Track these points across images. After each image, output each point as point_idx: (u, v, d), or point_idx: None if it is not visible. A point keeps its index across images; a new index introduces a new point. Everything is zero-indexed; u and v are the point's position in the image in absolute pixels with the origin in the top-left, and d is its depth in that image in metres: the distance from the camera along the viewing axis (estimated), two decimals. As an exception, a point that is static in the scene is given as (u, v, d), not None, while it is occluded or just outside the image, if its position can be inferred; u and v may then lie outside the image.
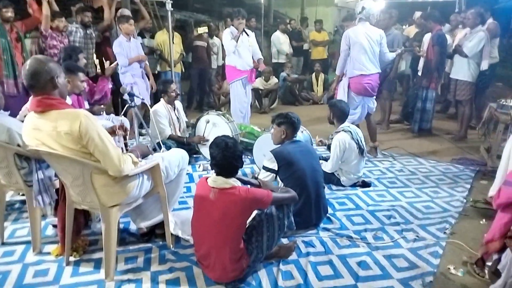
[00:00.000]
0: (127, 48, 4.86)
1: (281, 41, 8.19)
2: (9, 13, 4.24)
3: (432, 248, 2.70)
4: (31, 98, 2.15)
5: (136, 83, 4.93)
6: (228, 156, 2.18)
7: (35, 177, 2.44)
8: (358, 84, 4.38)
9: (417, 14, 6.89)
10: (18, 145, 2.39)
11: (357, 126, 4.25)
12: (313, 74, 8.21)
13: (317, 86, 8.19)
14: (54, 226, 2.85)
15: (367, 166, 4.22)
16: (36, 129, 2.07)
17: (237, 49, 4.92)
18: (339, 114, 3.74)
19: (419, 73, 5.66)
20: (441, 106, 6.82)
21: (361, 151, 3.63)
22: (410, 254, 2.63)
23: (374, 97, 4.59)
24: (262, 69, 5.66)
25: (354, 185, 3.74)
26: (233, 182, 2.21)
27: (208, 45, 7.02)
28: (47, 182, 2.50)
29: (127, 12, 5.51)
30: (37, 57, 2.13)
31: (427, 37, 5.48)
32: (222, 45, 6.64)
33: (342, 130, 3.64)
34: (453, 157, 4.61)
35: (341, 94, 4.49)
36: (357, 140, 3.61)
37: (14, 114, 2.76)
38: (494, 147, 4.26)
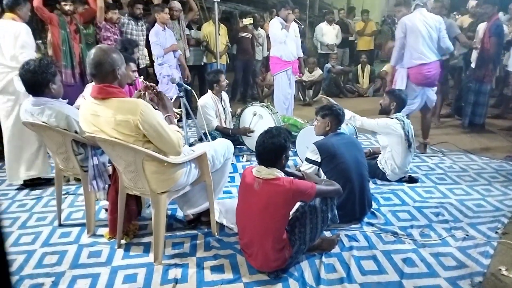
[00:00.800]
0: (162, 37, 4.95)
1: (323, 32, 8.05)
2: (68, 6, 4.45)
3: (483, 247, 2.59)
4: (89, 85, 2.27)
5: (173, 74, 5.03)
6: (269, 146, 2.21)
7: (91, 162, 2.58)
8: (418, 74, 4.19)
9: (472, 2, 6.54)
10: (76, 132, 2.53)
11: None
12: (359, 66, 8.03)
13: (363, 78, 8.01)
14: (107, 210, 3.01)
15: (414, 162, 4.10)
16: (95, 115, 2.17)
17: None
18: (399, 102, 3.60)
19: (472, 65, 5.38)
20: (496, 100, 6.45)
21: (409, 144, 3.52)
22: (459, 253, 2.54)
23: (436, 88, 4.41)
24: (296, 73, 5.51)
25: (400, 180, 3.65)
26: (277, 173, 2.23)
27: (253, 36, 7.03)
28: (101, 168, 2.63)
29: (177, 4, 5.63)
30: (102, 47, 2.22)
31: (481, 27, 5.19)
32: (267, 36, 6.65)
33: (396, 118, 3.54)
34: (508, 154, 4.36)
35: (399, 85, 4.29)
36: (407, 132, 3.50)
37: (70, 103, 2.91)
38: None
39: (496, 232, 2.78)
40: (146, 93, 2.67)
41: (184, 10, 6.25)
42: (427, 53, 4.16)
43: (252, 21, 6.95)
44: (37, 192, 3.52)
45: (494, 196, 3.36)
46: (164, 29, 5.06)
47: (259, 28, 7.40)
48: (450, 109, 6.06)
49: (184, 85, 3.49)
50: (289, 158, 4.06)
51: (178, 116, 3.14)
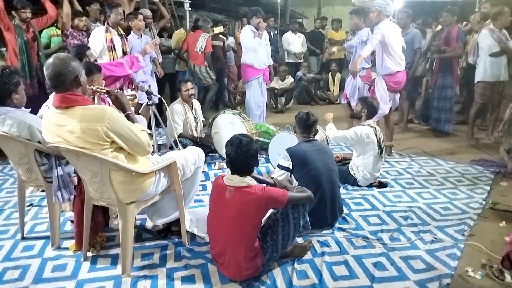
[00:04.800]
0: (138, 45, 4.88)
1: (289, 41, 8.14)
2: (28, 13, 4.32)
3: (450, 250, 2.65)
4: (52, 94, 2.19)
5: (147, 81, 4.96)
6: (242, 155, 2.18)
7: (55, 173, 2.48)
8: (394, 81, 4.34)
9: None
10: (39, 142, 2.44)
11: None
12: (330, 74, 8.16)
13: (334, 85, 8.14)
14: (72, 221, 2.90)
15: (384, 167, 4.17)
16: (58, 125, 2.10)
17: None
18: (371, 110, 3.71)
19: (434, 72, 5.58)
20: (460, 107, 6.68)
21: (380, 150, 3.59)
22: (427, 256, 2.59)
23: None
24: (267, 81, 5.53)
25: (370, 186, 3.71)
26: (249, 180, 2.22)
27: (224, 44, 7.04)
28: (66, 178, 2.54)
29: (147, 11, 5.56)
30: (59, 56, 2.14)
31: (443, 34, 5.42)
32: (238, 45, 6.67)
33: (368, 125, 3.62)
34: (472, 159, 4.52)
35: (381, 92, 4.37)
36: (379, 138, 3.58)
37: (33, 113, 2.81)
38: (515, 148, 4.17)
39: (463, 235, 2.85)
40: (95, 97, 2.60)
41: (155, 18, 6.20)
42: (402, 61, 4.32)
43: (222, 30, 6.96)
44: (-2, 204, 3.37)
45: (460, 199, 3.46)
46: (140, 36, 4.99)
47: (228, 37, 7.40)
48: (415, 115, 6.22)
49: (153, 93, 3.44)
50: (262, 165, 4.08)
51: (135, 103, 3.04)
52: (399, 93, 4.59)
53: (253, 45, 4.90)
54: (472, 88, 5.35)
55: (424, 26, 6.96)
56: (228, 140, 2.28)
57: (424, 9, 11.03)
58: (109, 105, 2.96)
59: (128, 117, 2.37)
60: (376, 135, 3.55)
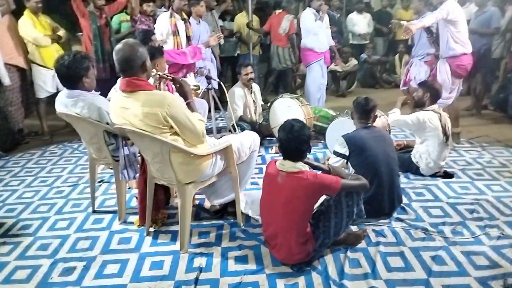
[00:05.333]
0: (197, 31, 4.97)
1: (354, 22, 7.80)
2: (103, 0, 4.57)
3: (519, 247, 2.46)
4: (120, 78, 2.34)
5: (206, 66, 5.05)
6: (293, 139, 2.18)
7: (121, 152, 2.65)
8: (459, 64, 4.05)
9: None
10: (107, 123, 2.62)
11: None
12: (397, 56, 7.76)
13: (400, 68, 7.74)
14: (137, 198, 3.10)
15: (451, 156, 3.93)
16: (123, 107, 2.24)
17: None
18: (433, 92, 3.48)
19: None
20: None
21: (446, 137, 3.38)
22: (492, 252, 2.43)
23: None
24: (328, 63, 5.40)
25: (434, 175, 3.52)
26: (301, 166, 2.21)
27: None
28: (131, 158, 2.71)
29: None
30: (128, 42, 2.26)
31: None
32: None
33: (432, 110, 3.42)
34: (554, 149, 4.11)
35: (444, 76, 4.09)
36: (444, 125, 3.37)
37: (104, 95, 3.01)
38: None
39: (535, 232, 2.63)
40: (161, 83, 2.71)
41: (218, 1, 6.27)
42: (468, 44, 3.98)
43: None
44: (74, 179, 3.68)
45: (535, 194, 3.18)
46: (199, 22, 5.09)
47: None
48: (490, 100, 5.75)
49: (213, 77, 3.51)
50: (319, 150, 4.05)
51: (198, 93, 3.14)
52: (462, 81, 4.24)
53: (314, 29, 4.80)
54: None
55: (503, 3, 6.32)
56: (281, 125, 2.29)
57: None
58: (173, 91, 3.09)
59: (188, 105, 2.47)
60: (440, 121, 3.33)
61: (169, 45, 4.40)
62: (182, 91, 2.53)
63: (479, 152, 4.13)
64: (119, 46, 2.23)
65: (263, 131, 4.34)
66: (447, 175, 3.52)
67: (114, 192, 3.06)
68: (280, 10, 6.70)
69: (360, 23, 7.78)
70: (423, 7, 4.41)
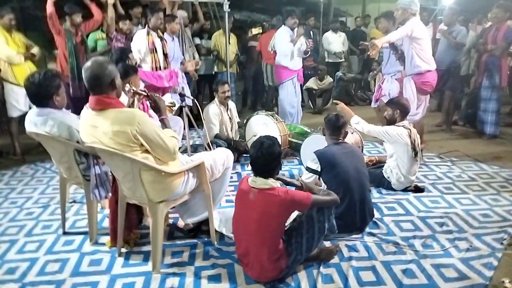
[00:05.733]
0: (172, 47, 5.00)
1: (329, 40, 8.02)
2: (79, 18, 4.57)
3: (486, 259, 2.53)
4: (90, 96, 2.33)
5: (180, 83, 5.08)
6: (263, 156, 2.20)
7: (93, 171, 2.62)
8: (424, 81, 4.20)
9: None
10: (78, 142, 2.59)
11: None
12: (371, 73, 7.96)
13: (375, 85, 7.93)
14: (109, 218, 3.06)
15: (422, 171, 4.04)
16: (93, 126, 2.23)
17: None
18: (402, 109, 3.58)
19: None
20: (510, 108, 6.30)
21: (415, 153, 3.48)
22: (461, 265, 2.48)
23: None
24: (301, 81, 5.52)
25: (406, 190, 3.60)
26: (273, 183, 2.23)
27: None
28: (103, 176, 2.68)
29: (184, 14, 5.71)
30: (97, 60, 2.28)
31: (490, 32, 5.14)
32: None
33: (403, 126, 3.51)
34: (520, 163, 4.27)
35: (409, 93, 4.24)
36: (414, 141, 3.46)
37: (77, 114, 2.98)
38: None
39: (502, 243, 2.71)
40: (135, 99, 2.71)
41: (195, 20, 6.35)
42: (432, 61, 4.14)
43: (260, 31, 7.00)
44: (45, 200, 3.60)
45: (502, 206, 3.28)
46: (173, 39, 5.14)
47: None
48: (458, 116, 5.94)
49: (186, 94, 3.54)
50: (294, 166, 4.08)
51: (173, 110, 3.14)
52: (429, 97, 4.43)
53: (286, 51, 4.93)
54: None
55: (465, 23, 6.63)
56: (252, 142, 2.32)
57: (474, 5, 10.52)
58: (148, 108, 3.10)
59: (162, 121, 2.48)
60: (410, 136, 3.43)
61: (147, 62, 4.43)
62: (157, 108, 2.54)
63: (449, 166, 4.25)
64: (87, 64, 2.24)
65: (239, 147, 4.36)
66: (418, 189, 3.60)
67: (86, 213, 3.01)
68: (257, 29, 6.86)
69: (335, 42, 7.99)
70: (391, 26, 4.61)
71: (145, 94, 2.65)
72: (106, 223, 3.08)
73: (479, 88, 5.26)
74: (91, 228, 2.82)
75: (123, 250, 2.70)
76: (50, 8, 4.25)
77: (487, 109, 5.11)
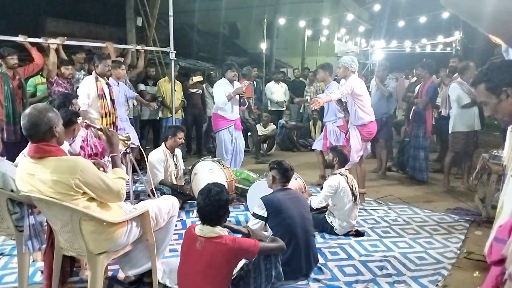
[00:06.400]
0: (117, 92, 4.99)
1: (272, 90, 8.41)
2: (15, 60, 4.42)
3: (424, 301, 2.65)
4: (29, 144, 2.23)
5: (124, 128, 5.02)
6: (211, 204, 2.21)
7: (27, 222, 2.45)
8: (367, 131, 4.53)
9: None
10: (12, 190, 2.43)
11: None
12: (311, 122, 8.36)
13: (315, 133, 8.31)
14: (43, 272, 2.83)
15: (361, 215, 4.22)
16: (31, 174, 2.12)
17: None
18: (342, 159, 3.83)
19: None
20: (438, 155, 6.84)
21: (354, 197, 3.65)
22: (401, 307, 2.58)
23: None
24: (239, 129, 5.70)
25: (347, 234, 3.73)
26: (220, 231, 2.23)
27: (203, 92, 7.21)
28: (38, 227, 2.51)
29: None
30: (37, 107, 2.21)
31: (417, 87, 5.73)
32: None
33: (339, 173, 3.70)
34: (448, 207, 4.60)
35: (355, 141, 4.50)
36: (351, 186, 3.65)
37: (12, 160, 2.82)
38: (488, 197, 4.26)
39: (437, 285, 2.86)
40: (88, 131, 2.66)
41: (135, 65, 6.39)
42: (371, 112, 4.50)
43: (201, 79, 7.18)
44: (-33, 254, 3.27)
45: (435, 249, 3.49)
46: (118, 84, 5.14)
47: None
48: (391, 163, 6.36)
49: (130, 141, 3.48)
50: (241, 212, 4.08)
51: (128, 144, 3.11)
52: (369, 142, 4.78)
53: (220, 103, 5.12)
54: (446, 138, 5.53)
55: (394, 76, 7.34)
56: (200, 189, 2.32)
57: (402, 62, 11.62)
58: (87, 153, 3.01)
59: (113, 159, 2.46)
60: (348, 182, 3.62)
61: (94, 108, 4.35)
62: (110, 143, 2.50)
63: (386, 211, 4.49)
64: (27, 110, 2.17)
65: (183, 190, 4.31)
66: (358, 233, 3.75)
67: (15, 266, 2.77)
68: (197, 77, 7.05)
69: (277, 91, 8.38)
70: (328, 76, 5.06)
71: (98, 128, 2.60)
72: (38, 277, 2.87)
73: (409, 137, 5.70)
74: (21, 283, 2.59)
75: (57, 307, 2.50)
76: None
77: (416, 157, 5.53)
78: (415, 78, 7.11)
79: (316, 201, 3.73)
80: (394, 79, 6.37)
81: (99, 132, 2.87)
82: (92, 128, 2.64)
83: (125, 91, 5.33)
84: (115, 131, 3.37)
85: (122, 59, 5.65)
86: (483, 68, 1.86)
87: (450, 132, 5.24)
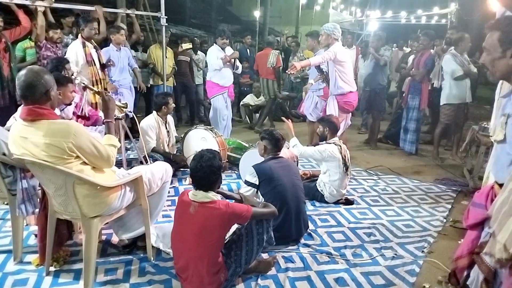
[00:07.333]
0: (117, 57, 4.94)
1: None
2: (0, 23, 4.29)
3: (409, 266, 2.75)
4: (21, 107, 2.20)
5: (122, 93, 4.98)
6: (203, 169, 2.22)
7: (19, 186, 2.46)
8: (346, 101, 4.52)
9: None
10: (4, 154, 2.42)
11: None
12: (303, 93, 8.31)
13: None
14: (36, 235, 2.86)
15: (351, 184, 4.29)
16: (23, 137, 2.10)
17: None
18: (333, 127, 3.83)
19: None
20: (428, 128, 6.90)
21: (346, 167, 3.70)
22: (387, 272, 2.67)
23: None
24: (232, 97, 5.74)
25: (337, 202, 3.80)
26: (213, 196, 2.25)
27: (191, 60, 7.10)
28: (31, 191, 2.52)
29: (121, 25, 5.60)
30: (33, 68, 2.16)
31: (411, 58, 5.69)
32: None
33: (333, 143, 3.73)
34: (436, 178, 4.69)
35: (332, 111, 4.51)
36: (344, 156, 3.69)
37: (1, 125, 2.79)
38: (476, 168, 4.35)
39: (423, 251, 2.96)
40: (85, 93, 2.64)
41: (131, 31, 6.24)
42: (353, 83, 4.50)
43: (190, 46, 7.05)
44: (-40, 217, 3.28)
45: (422, 217, 3.58)
46: (119, 49, 5.08)
47: (198, 52, 7.45)
48: (382, 134, 6.42)
49: (127, 109, 3.46)
50: (233, 180, 4.13)
51: (124, 111, 3.11)
52: (350, 114, 4.81)
53: (214, 66, 5.09)
54: (437, 110, 5.57)
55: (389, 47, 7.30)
56: (193, 155, 2.33)
57: (397, 33, 11.49)
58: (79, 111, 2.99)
59: (107, 124, 2.46)
60: (341, 152, 3.66)
61: (84, 74, 4.27)
62: (106, 107, 2.50)
63: (375, 180, 4.56)
64: (22, 71, 2.13)
65: (177, 160, 4.32)
66: (348, 202, 3.83)
67: (9, 230, 2.80)
68: (187, 44, 6.93)
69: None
70: (316, 44, 5.00)
71: (96, 90, 2.57)
72: (32, 240, 2.90)
73: (403, 109, 5.71)
74: (16, 246, 2.62)
75: (52, 268, 2.54)
76: None
77: (407, 128, 5.57)
78: (409, 49, 7.08)
79: (299, 151, 3.71)
80: (390, 50, 6.34)
81: (97, 96, 2.84)
82: (88, 90, 2.60)
83: (128, 57, 5.26)
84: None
85: (122, 25, 5.54)
86: (507, 17, 1.79)
87: (441, 104, 5.27)
